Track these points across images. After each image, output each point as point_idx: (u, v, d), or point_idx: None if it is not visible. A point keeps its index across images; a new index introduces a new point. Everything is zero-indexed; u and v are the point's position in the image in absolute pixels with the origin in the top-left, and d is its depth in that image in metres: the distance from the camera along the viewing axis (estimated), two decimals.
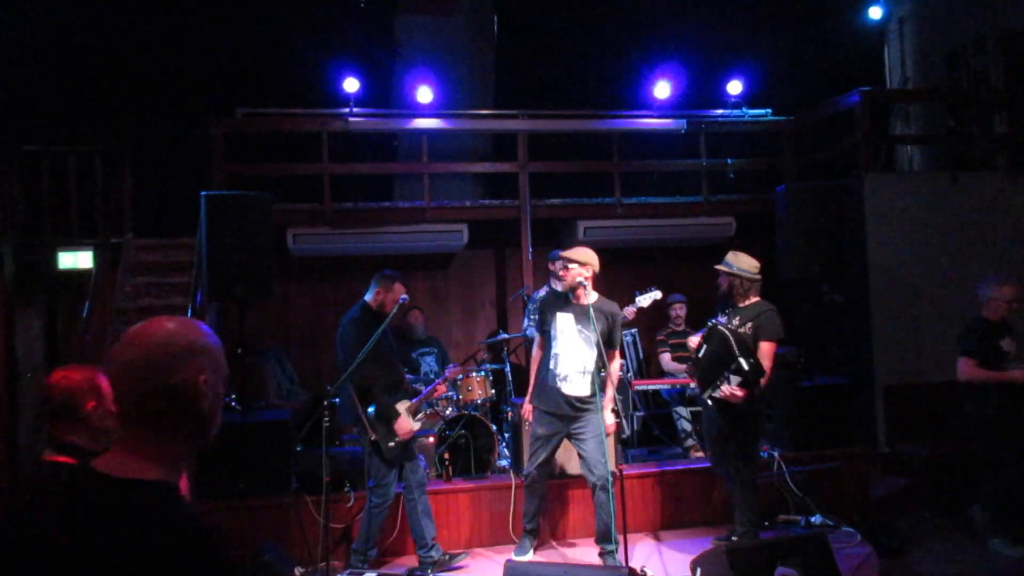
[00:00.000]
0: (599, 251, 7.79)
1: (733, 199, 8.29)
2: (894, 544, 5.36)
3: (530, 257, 7.53)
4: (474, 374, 6.47)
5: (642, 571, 4.79)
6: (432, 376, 7.00)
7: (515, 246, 7.77)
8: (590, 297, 4.97)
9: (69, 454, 2.46)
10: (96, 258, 7.21)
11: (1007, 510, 5.23)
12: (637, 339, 8.01)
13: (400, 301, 4.96)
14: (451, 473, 5.83)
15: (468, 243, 7.83)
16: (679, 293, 7.60)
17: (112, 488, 1.36)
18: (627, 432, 5.33)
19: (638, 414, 7.05)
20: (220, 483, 5.33)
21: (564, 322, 4.98)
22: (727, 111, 8.51)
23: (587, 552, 5.44)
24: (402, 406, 5.00)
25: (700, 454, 6.46)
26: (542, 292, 6.65)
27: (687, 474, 6.03)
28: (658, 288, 6.43)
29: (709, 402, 4.94)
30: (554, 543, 5.66)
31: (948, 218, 6.96)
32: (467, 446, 5.98)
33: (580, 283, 4.90)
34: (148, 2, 8.86)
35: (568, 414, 4.95)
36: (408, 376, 6.44)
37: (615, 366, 5.09)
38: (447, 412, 6.26)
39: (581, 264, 4.92)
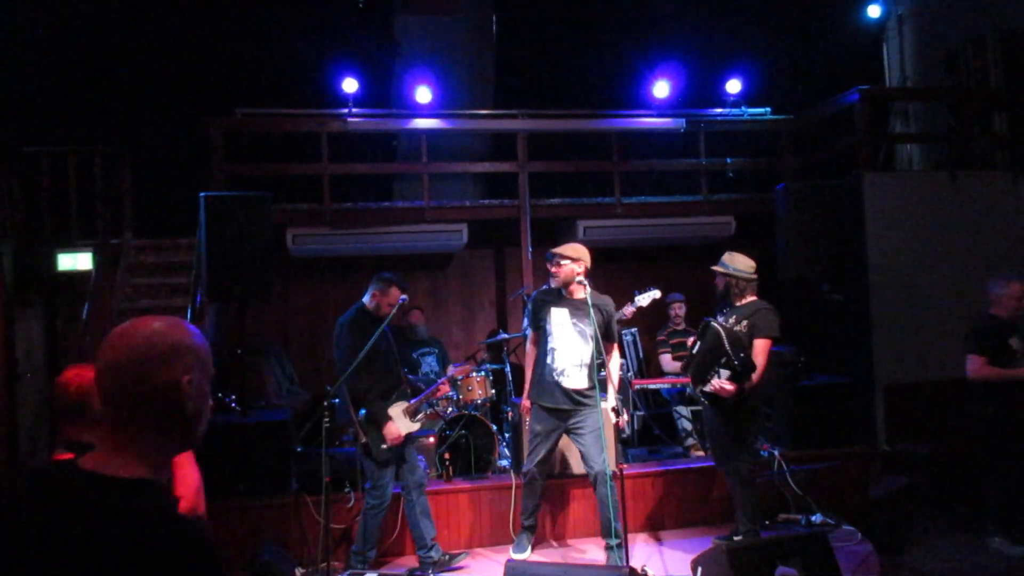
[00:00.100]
0: (599, 251, 7.79)
1: (732, 198, 8.29)
2: (894, 543, 5.36)
3: (530, 257, 7.53)
4: (474, 374, 6.47)
5: (643, 570, 4.79)
6: (432, 376, 7.00)
7: (515, 246, 7.77)
8: (583, 292, 5.00)
9: (80, 453, 2.46)
10: (95, 259, 7.21)
11: (1009, 509, 5.23)
12: (637, 338, 8.01)
13: (400, 301, 4.96)
14: (451, 473, 5.84)
15: (468, 243, 7.83)
16: (679, 292, 7.61)
17: (96, 486, 1.37)
18: (627, 432, 5.32)
19: (638, 413, 7.05)
20: (220, 483, 5.31)
21: (559, 317, 5.00)
22: (726, 110, 8.51)
23: (587, 550, 5.44)
24: (398, 407, 4.98)
25: (700, 453, 6.46)
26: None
27: (687, 473, 6.04)
28: (657, 288, 6.43)
29: (701, 397, 5.02)
30: (554, 542, 5.66)
31: (947, 217, 6.96)
32: (467, 446, 5.98)
33: (579, 281, 4.91)
34: (147, 2, 8.86)
35: (566, 408, 4.97)
36: (410, 376, 6.46)
37: (615, 364, 5.08)
38: (447, 412, 6.26)
39: (573, 260, 4.95)
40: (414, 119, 7.79)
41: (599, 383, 4.94)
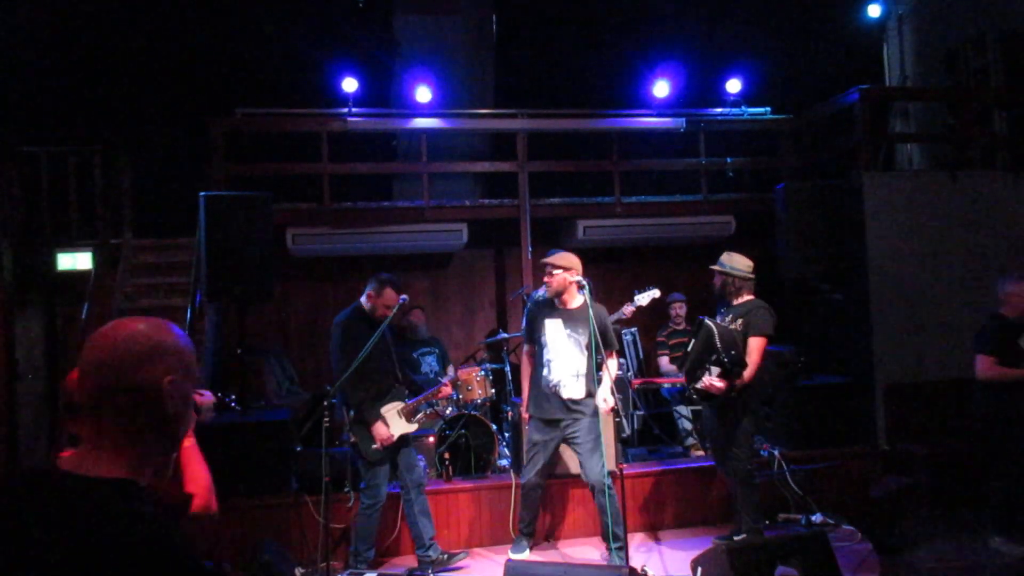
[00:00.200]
0: (598, 250, 7.81)
1: (732, 198, 8.29)
2: (894, 542, 5.36)
3: (529, 257, 7.52)
4: (474, 374, 6.46)
5: (642, 570, 4.79)
6: (432, 376, 7.00)
7: (515, 246, 7.77)
8: (576, 301, 4.99)
9: None
10: (95, 259, 7.20)
11: (1010, 509, 5.23)
12: (637, 338, 8.00)
13: (400, 301, 4.94)
14: (451, 473, 5.83)
15: (468, 243, 7.83)
16: (679, 292, 7.61)
17: (73, 486, 1.36)
18: (627, 431, 5.33)
19: (638, 413, 7.04)
20: (220, 483, 5.27)
21: (553, 328, 5.00)
22: (726, 110, 8.51)
23: (585, 551, 5.44)
24: (392, 408, 4.97)
25: (700, 453, 6.47)
26: (541, 291, 6.66)
27: (687, 473, 6.04)
28: (657, 287, 6.43)
29: (694, 394, 5.09)
30: (553, 542, 5.66)
31: (947, 217, 6.96)
32: (467, 446, 5.98)
33: (579, 284, 4.90)
34: (147, 2, 8.85)
35: (563, 417, 4.97)
36: (414, 376, 6.46)
37: (613, 364, 5.07)
38: (447, 412, 6.26)
39: (565, 269, 4.95)
40: (414, 119, 7.79)
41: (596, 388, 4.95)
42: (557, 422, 4.99)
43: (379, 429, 4.85)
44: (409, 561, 5.26)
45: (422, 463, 5.39)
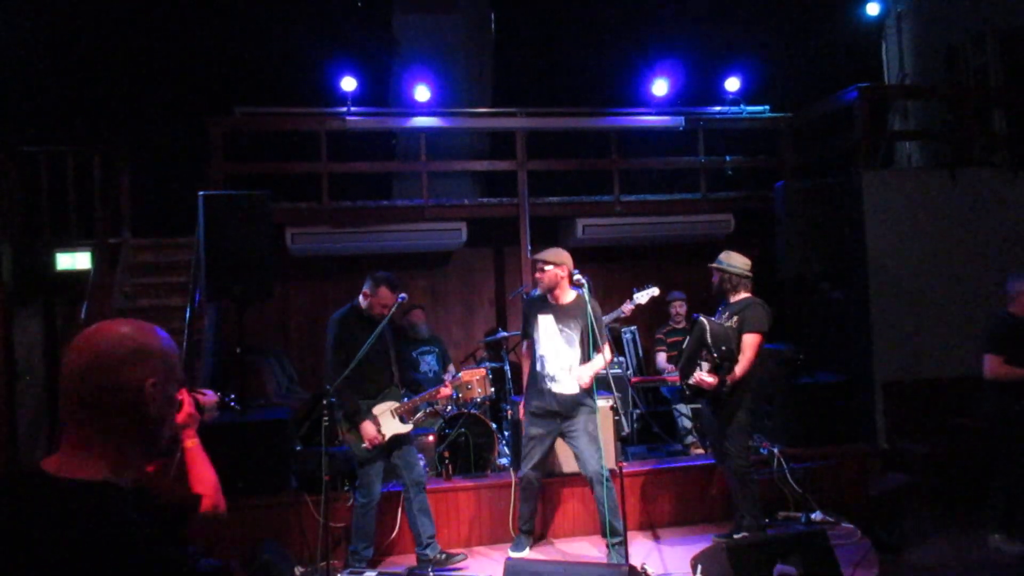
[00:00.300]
0: (598, 249, 7.81)
1: (732, 196, 8.29)
2: (894, 540, 5.36)
3: (529, 255, 7.52)
4: (476, 376, 6.45)
5: (642, 568, 4.79)
6: (431, 375, 7.00)
7: (514, 244, 7.77)
8: (568, 296, 5.03)
9: None
10: (94, 258, 7.19)
11: (1012, 508, 5.23)
12: (636, 337, 8.01)
13: (399, 300, 4.93)
14: (451, 471, 5.83)
15: (467, 241, 7.83)
16: (679, 290, 7.61)
17: (52, 488, 1.36)
18: (627, 430, 5.33)
19: (638, 411, 7.05)
20: (220, 482, 5.31)
21: (545, 324, 5.04)
22: (725, 108, 8.51)
23: (585, 549, 5.44)
24: (386, 407, 4.96)
25: (700, 451, 6.47)
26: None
27: (687, 471, 6.03)
28: (656, 285, 6.43)
29: (687, 391, 5.14)
30: (553, 540, 5.66)
31: (947, 215, 6.96)
32: (467, 444, 5.98)
33: (577, 280, 4.90)
34: (146, 2, 8.85)
35: (558, 412, 5.00)
36: (416, 376, 6.45)
37: (607, 352, 5.03)
38: (447, 410, 6.26)
39: (556, 265, 4.98)
40: (413, 117, 7.79)
41: (595, 385, 4.96)
42: (553, 416, 5.02)
43: (367, 428, 4.84)
44: (409, 559, 5.26)
45: (422, 462, 5.38)
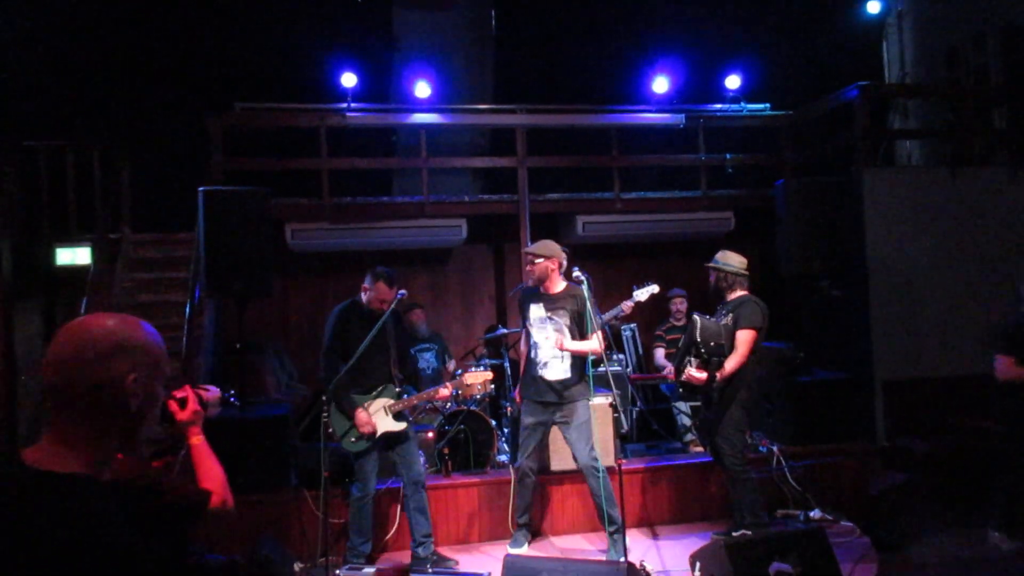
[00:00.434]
0: (598, 246, 7.80)
1: (732, 194, 8.29)
2: (893, 538, 5.37)
3: None
4: (473, 369, 6.46)
5: (641, 565, 4.80)
6: (429, 372, 7.01)
7: (514, 241, 7.77)
8: (558, 286, 5.12)
9: None
10: (94, 254, 7.20)
11: (1013, 507, 5.24)
12: (636, 334, 8.01)
13: (397, 296, 4.93)
14: (450, 468, 5.84)
15: (467, 238, 7.82)
16: (679, 288, 7.61)
17: (28, 479, 1.35)
18: (626, 427, 5.34)
19: (637, 408, 7.05)
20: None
21: (536, 313, 5.14)
22: (726, 106, 8.50)
23: (584, 546, 5.45)
24: (380, 404, 4.94)
25: (699, 449, 6.47)
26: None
27: (686, 469, 6.04)
28: (656, 283, 6.43)
29: (680, 388, 5.24)
30: (551, 536, 5.67)
31: (947, 213, 6.96)
32: (466, 441, 5.98)
33: (576, 277, 4.91)
34: None
35: (552, 400, 5.05)
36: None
37: (596, 338, 4.97)
38: (446, 407, 6.26)
39: (547, 257, 5.06)
40: (413, 114, 7.78)
41: (588, 377, 5.02)
42: (547, 405, 5.08)
43: (360, 415, 4.84)
44: (408, 556, 5.26)
45: (422, 459, 5.38)
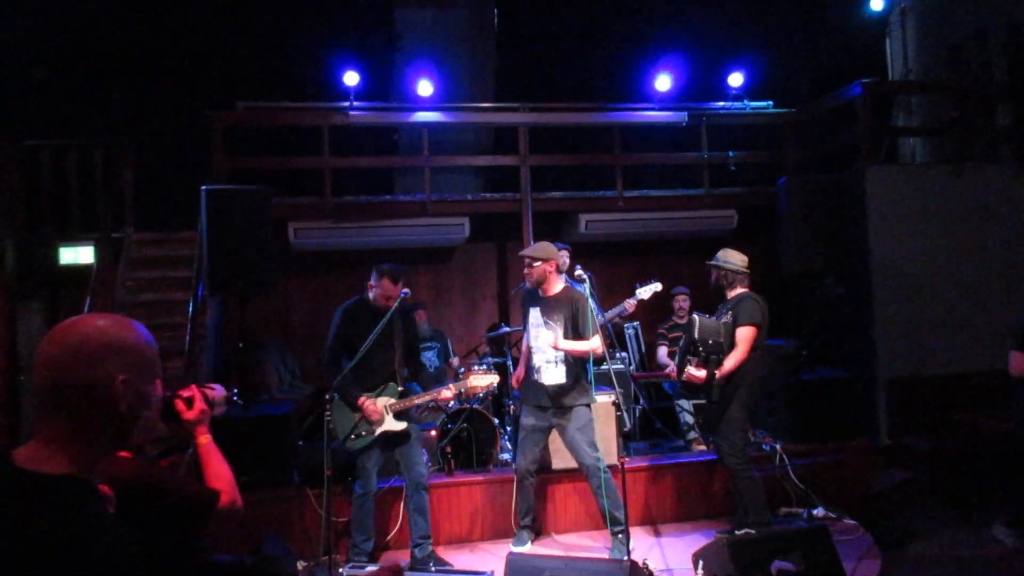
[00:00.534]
0: (601, 244, 7.78)
1: (735, 192, 8.28)
2: (896, 536, 5.36)
3: None
4: (475, 367, 6.46)
5: (644, 564, 4.79)
6: (431, 370, 7.00)
7: (517, 240, 7.76)
8: (556, 287, 5.11)
9: None
10: (97, 253, 7.21)
11: (1018, 503, 5.23)
12: (639, 332, 8.00)
13: (402, 295, 4.91)
14: (453, 467, 5.83)
15: (469, 237, 7.82)
16: (682, 286, 7.60)
17: (17, 480, 1.35)
18: (629, 425, 5.33)
19: (639, 407, 7.04)
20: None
21: (534, 316, 5.13)
22: (728, 103, 8.49)
23: (586, 544, 5.45)
24: (381, 403, 4.92)
25: (702, 447, 6.46)
26: None
27: (689, 467, 6.03)
28: (659, 281, 6.43)
29: (681, 388, 5.25)
30: (554, 535, 5.66)
31: (950, 210, 6.94)
32: (469, 440, 5.98)
33: (578, 276, 4.90)
34: None
35: (549, 405, 5.05)
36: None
37: (596, 339, 4.96)
38: (449, 406, 6.26)
39: (544, 260, 5.06)
40: (415, 112, 7.78)
41: (590, 381, 5.00)
42: (544, 409, 5.09)
43: (367, 405, 4.82)
44: (409, 555, 5.26)
45: (426, 459, 5.36)
